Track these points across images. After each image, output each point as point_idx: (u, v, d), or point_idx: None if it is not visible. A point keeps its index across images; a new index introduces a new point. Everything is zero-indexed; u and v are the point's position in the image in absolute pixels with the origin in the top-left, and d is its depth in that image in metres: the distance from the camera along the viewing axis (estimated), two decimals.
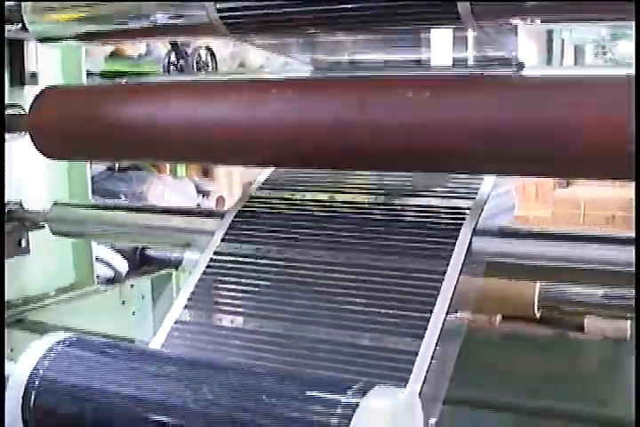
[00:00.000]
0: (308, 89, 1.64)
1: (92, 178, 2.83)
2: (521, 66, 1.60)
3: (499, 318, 2.49)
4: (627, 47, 12.44)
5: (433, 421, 1.29)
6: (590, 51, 14.15)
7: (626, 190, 6.16)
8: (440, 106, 1.48)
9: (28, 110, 1.91)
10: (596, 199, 6.53)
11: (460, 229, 1.54)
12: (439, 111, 1.48)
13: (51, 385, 1.31)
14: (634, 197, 1.54)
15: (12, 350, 2.01)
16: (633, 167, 1.31)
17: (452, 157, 1.50)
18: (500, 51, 1.62)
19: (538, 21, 1.41)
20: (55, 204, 2.17)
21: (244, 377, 1.27)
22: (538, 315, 2.15)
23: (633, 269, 1.43)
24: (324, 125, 1.55)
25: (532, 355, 2.34)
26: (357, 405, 1.13)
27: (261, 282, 1.58)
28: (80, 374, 1.32)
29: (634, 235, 1.47)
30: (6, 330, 2.13)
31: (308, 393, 1.19)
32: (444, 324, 1.39)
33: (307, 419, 1.15)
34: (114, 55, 4.01)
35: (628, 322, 2.28)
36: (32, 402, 1.31)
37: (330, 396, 1.17)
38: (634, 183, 1.43)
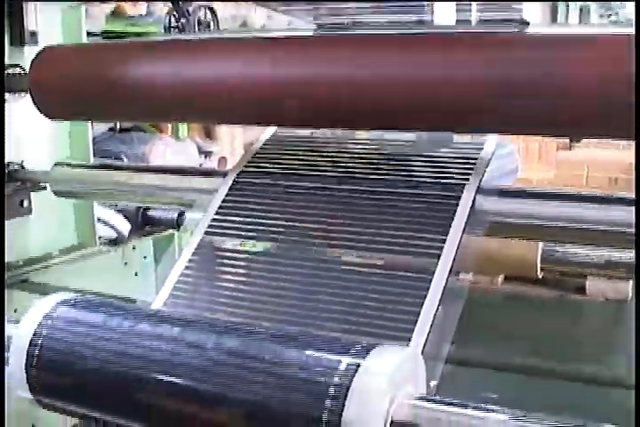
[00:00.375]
0: (310, 47, 1.62)
1: (94, 139, 2.81)
2: (525, 23, 1.58)
3: (501, 278, 2.50)
4: (632, 9, 12.32)
5: (433, 383, 1.29)
6: (595, 13, 14.03)
7: (628, 153, 6.16)
8: (438, 63, 1.47)
9: (28, 70, 1.89)
10: (599, 161, 6.52)
11: (464, 188, 1.53)
12: (436, 69, 1.47)
13: (54, 345, 1.31)
14: (634, 157, 1.53)
15: (15, 311, 2.02)
16: (633, 125, 1.30)
17: (451, 114, 1.49)
18: (503, 11, 1.60)
19: None
20: (57, 164, 2.16)
21: (245, 337, 1.27)
22: (540, 276, 2.15)
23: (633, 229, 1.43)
24: (325, 83, 1.54)
25: (534, 315, 2.35)
26: (359, 365, 1.13)
27: (264, 240, 1.58)
28: (83, 333, 1.32)
29: (634, 196, 1.46)
30: (10, 291, 2.14)
31: (311, 353, 1.19)
32: (445, 285, 1.38)
33: (309, 378, 1.15)
34: (114, 15, 3.98)
35: (630, 283, 2.29)
36: (35, 362, 1.31)
37: (332, 356, 1.17)
38: (634, 142, 1.42)
